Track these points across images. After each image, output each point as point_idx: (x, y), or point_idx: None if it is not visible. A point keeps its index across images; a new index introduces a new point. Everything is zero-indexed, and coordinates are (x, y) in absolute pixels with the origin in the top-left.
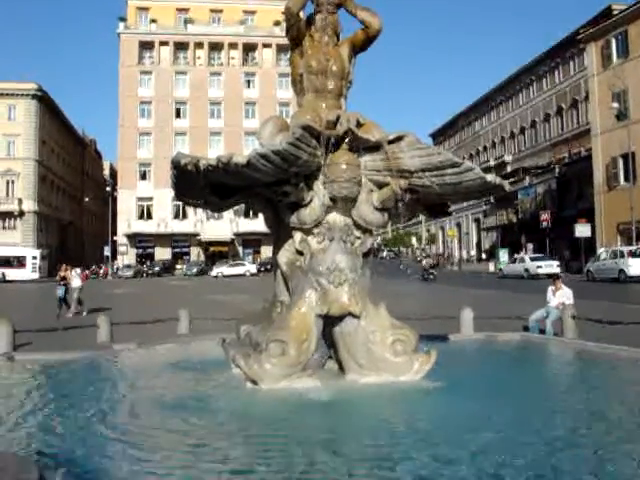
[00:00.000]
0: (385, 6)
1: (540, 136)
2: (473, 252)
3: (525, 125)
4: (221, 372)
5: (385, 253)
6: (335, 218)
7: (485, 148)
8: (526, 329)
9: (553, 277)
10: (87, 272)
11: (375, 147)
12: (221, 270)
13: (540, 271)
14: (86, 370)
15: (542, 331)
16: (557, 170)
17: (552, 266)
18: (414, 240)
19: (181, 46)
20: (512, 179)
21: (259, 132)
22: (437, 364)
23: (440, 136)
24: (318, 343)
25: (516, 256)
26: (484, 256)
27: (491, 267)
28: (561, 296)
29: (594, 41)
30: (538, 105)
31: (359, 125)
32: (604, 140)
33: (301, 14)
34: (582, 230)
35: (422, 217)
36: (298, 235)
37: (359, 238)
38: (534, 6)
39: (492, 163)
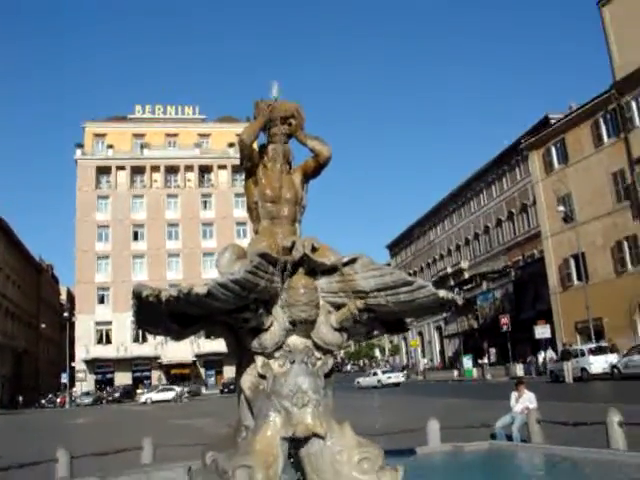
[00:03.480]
0: (334, 124)
1: (494, 241)
2: (437, 360)
3: (479, 231)
4: None
5: (349, 367)
6: (295, 341)
7: (441, 256)
8: (493, 436)
9: (516, 382)
10: None
11: (331, 270)
12: (150, 396)
13: (389, 381)
14: None
15: (509, 437)
16: (513, 273)
17: (398, 377)
18: (377, 352)
19: (138, 170)
20: (470, 285)
21: (217, 260)
22: None
23: (396, 247)
24: (284, 466)
25: (369, 370)
26: (447, 363)
27: (455, 374)
28: (525, 401)
29: (535, 149)
30: (490, 211)
31: (314, 249)
32: (554, 242)
33: (254, 145)
34: (542, 331)
35: None
36: (260, 359)
37: (320, 359)
38: (477, 115)
39: (449, 270)
